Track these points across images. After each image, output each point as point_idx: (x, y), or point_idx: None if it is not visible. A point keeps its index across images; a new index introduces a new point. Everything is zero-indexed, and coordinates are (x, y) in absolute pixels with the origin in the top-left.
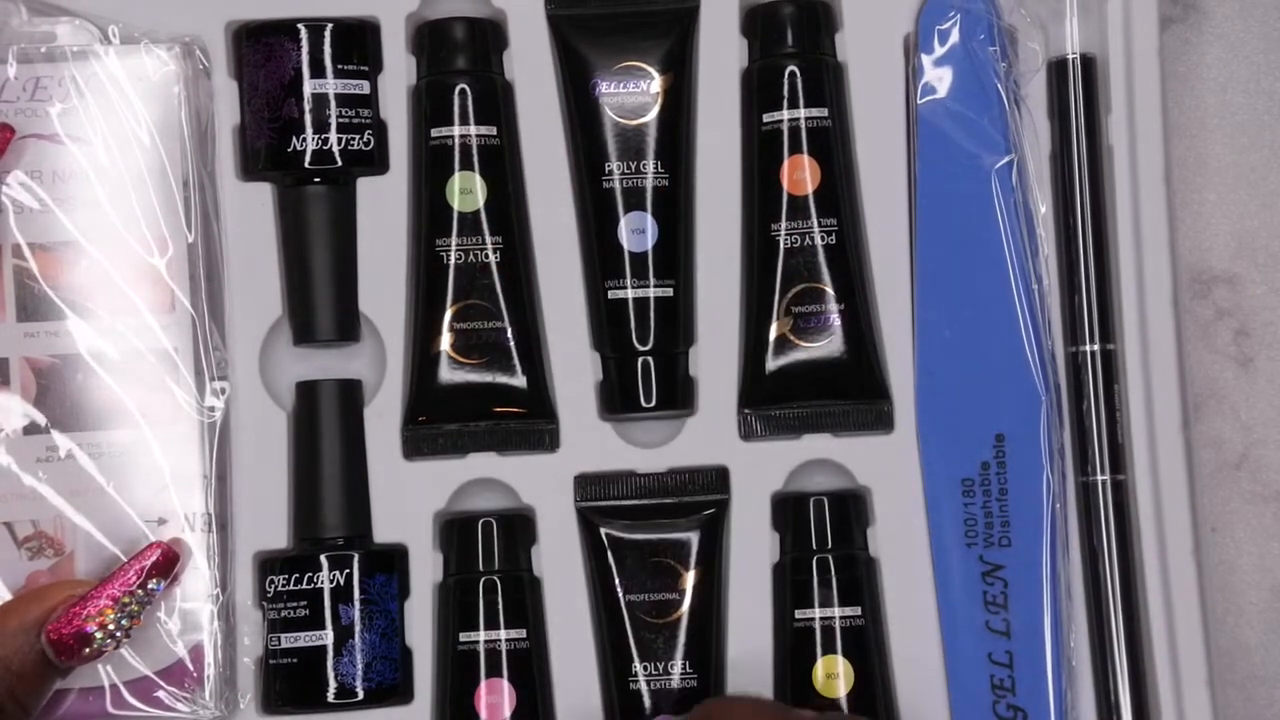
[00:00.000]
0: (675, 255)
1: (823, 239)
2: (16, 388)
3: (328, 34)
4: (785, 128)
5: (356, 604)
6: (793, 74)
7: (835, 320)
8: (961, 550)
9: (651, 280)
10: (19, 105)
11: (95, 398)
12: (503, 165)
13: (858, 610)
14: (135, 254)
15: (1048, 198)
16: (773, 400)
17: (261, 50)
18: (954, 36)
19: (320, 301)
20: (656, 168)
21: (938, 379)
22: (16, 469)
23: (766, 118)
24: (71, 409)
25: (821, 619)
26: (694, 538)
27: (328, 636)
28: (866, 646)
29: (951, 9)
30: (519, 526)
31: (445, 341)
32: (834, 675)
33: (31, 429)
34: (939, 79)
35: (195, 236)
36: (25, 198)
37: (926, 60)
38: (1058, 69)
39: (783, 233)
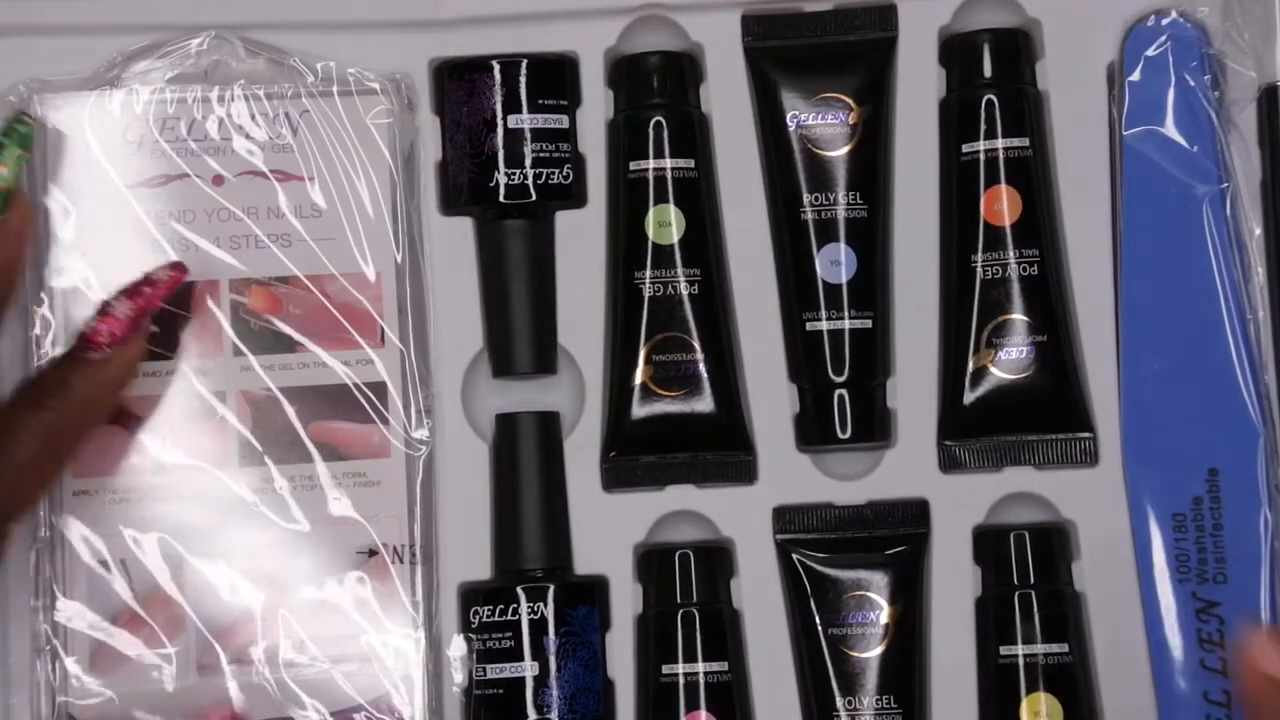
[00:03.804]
0: (873, 286)
1: (1023, 269)
2: (233, 420)
3: (527, 70)
4: (983, 158)
5: (559, 635)
6: (991, 103)
7: (1035, 352)
8: (1174, 586)
9: (848, 312)
10: (235, 142)
11: (307, 431)
12: (699, 197)
13: (1064, 647)
14: (347, 289)
15: (1258, 226)
16: (973, 432)
17: (464, 87)
18: (1162, 63)
19: (519, 334)
20: (853, 199)
21: (1145, 411)
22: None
23: (965, 148)
24: (285, 442)
25: (1025, 655)
26: (894, 571)
27: (531, 668)
28: (1074, 684)
29: (1160, 35)
30: (718, 558)
31: (643, 373)
32: (1040, 714)
33: (248, 461)
34: (1146, 106)
35: (404, 271)
36: (242, 234)
37: (1132, 87)
38: (1268, 95)
39: (980, 263)
